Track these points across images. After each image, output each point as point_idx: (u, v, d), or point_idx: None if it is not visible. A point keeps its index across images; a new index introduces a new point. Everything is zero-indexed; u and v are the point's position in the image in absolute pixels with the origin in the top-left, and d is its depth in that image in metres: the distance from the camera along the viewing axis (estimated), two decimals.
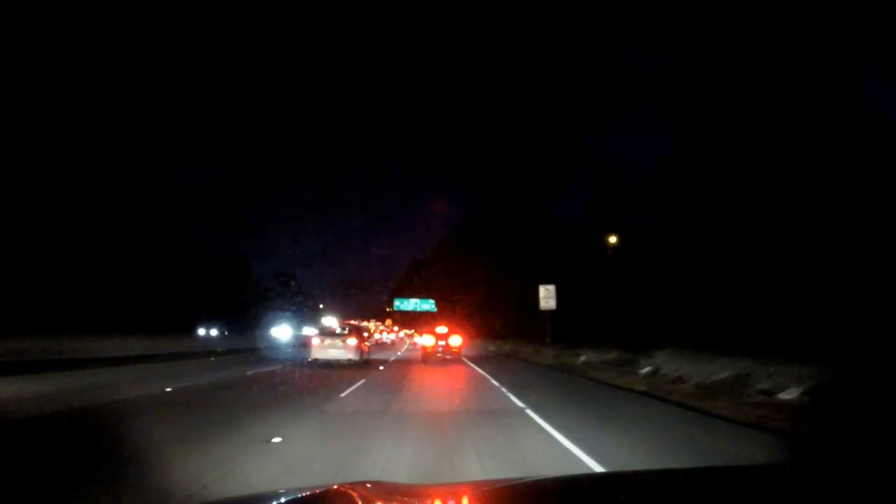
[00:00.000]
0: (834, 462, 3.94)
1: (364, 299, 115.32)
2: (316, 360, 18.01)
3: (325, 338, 18.66)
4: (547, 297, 23.96)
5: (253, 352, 28.18)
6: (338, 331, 19.99)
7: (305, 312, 62.61)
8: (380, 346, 45.30)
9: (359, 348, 18.40)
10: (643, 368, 14.75)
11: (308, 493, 1.87)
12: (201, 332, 42.14)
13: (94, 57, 36.59)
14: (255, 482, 4.53)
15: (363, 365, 18.38)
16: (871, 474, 1.89)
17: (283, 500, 1.77)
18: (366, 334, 39.83)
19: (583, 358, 19.68)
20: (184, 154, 46.32)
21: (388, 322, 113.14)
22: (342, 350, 17.97)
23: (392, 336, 75.06)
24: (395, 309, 61.41)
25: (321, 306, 69.76)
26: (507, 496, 1.88)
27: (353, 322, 52.92)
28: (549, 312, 24.35)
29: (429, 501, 1.91)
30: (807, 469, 2.39)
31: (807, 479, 1.89)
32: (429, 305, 54.09)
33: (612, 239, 26.98)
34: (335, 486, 1.94)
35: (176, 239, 41.31)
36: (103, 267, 33.07)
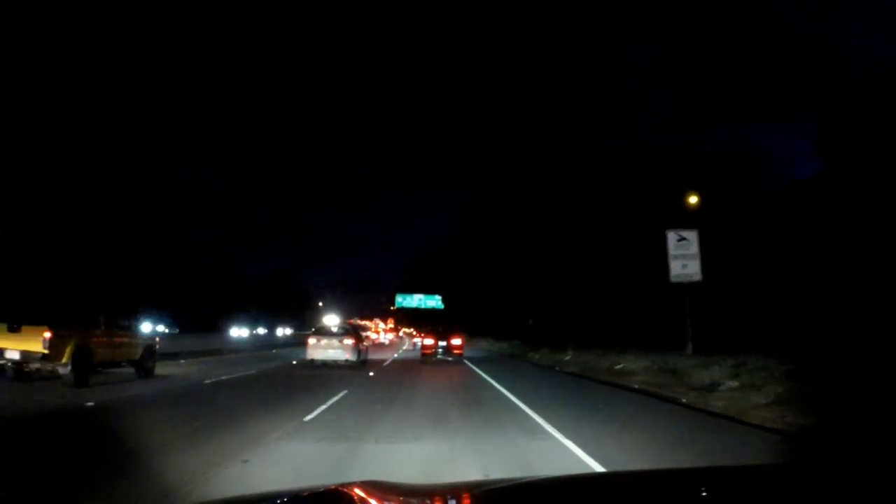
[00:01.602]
0: (835, 462, 3.91)
1: (366, 298, 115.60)
2: (312, 360, 17.68)
3: (322, 337, 18.21)
4: (684, 254, 14.41)
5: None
6: (335, 330, 19.48)
7: (306, 312, 62.56)
8: (376, 346, 41.64)
9: (356, 348, 18.00)
10: None
11: (307, 493, 1.84)
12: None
13: (94, 57, 36.67)
14: None
15: (360, 366, 18.06)
16: (873, 474, 1.86)
17: (282, 499, 1.74)
18: (367, 333, 38.99)
19: None
20: (184, 154, 46.45)
21: (391, 321, 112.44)
22: (339, 350, 17.62)
23: (390, 336, 67.28)
24: (396, 306, 57.38)
25: (320, 304, 69.58)
26: (507, 496, 1.86)
27: (352, 321, 51.86)
28: (688, 288, 14.72)
29: (428, 501, 1.89)
30: (808, 469, 2.37)
31: (807, 479, 1.86)
32: (434, 302, 50.32)
33: (693, 199, 18.57)
34: (333, 486, 1.90)
35: (176, 239, 41.41)
36: (103, 267, 33.14)
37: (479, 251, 51.80)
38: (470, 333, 42.81)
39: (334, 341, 17.94)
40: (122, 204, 36.19)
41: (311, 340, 18.32)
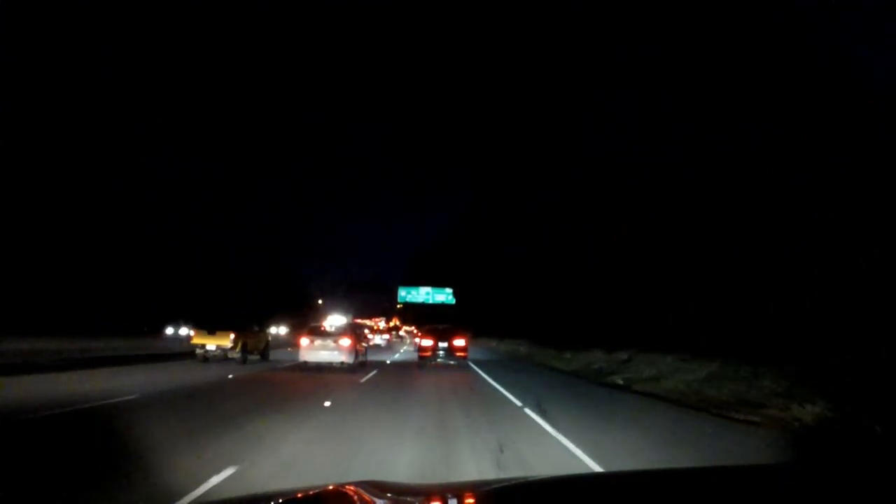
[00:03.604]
0: (835, 461, 3.89)
1: (368, 297, 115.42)
2: (306, 362, 17.06)
3: (316, 338, 17.31)
4: None
5: None
6: (330, 330, 18.50)
7: (306, 311, 62.45)
8: (370, 349, 39.03)
9: (353, 349, 17.10)
10: None
11: (303, 494, 1.85)
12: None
13: (94, 57, 36.67)
14: None
15: (358, 368, 17.30)
16: (873, 474, 1.85)
17: (281, 499, 1.75)
18: (367, 332, 37.90)
19: None
20: (184, 154, 46.41)
21: (395, 320, 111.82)
22: (334, 352, 16.83)
23: (386, 337, 59.32)
24: (400, 301, 51.51)
25: (319, 302, 69.19)
26: (507, 496, 1.86)
27: (357, 321, 51.00)
28: None
29: (427, 501, 1.90)
30: (808, 469, 2.36)
31: (808, 479, 1.86)
32: (444, 296, 44.17)
33: None
34: (332, 486, 1.92)
35: (176, 239, 41.41)
36: (103, 268, 33.12)
37: (482, 250, 51.39)
38: (476, 334, 41.27)
39: (328, 342, 17.02)
40: (123, 204, 36.20)
41: (304, 341, 17.44)
